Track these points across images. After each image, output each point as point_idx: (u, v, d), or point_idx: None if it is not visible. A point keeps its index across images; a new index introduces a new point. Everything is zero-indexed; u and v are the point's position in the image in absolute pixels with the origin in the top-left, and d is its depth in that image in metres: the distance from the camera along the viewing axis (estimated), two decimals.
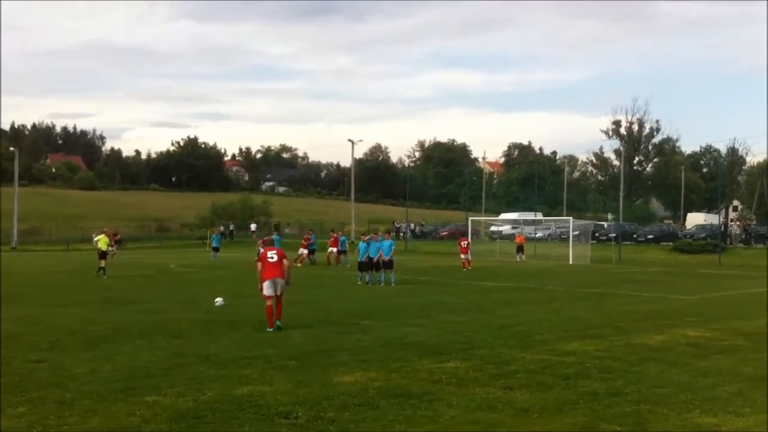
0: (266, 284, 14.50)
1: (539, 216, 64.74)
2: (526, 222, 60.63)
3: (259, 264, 14.87)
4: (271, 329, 14.09)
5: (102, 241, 30.40)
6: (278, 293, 14.54)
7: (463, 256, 35.66)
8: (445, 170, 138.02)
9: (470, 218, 54.90)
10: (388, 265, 26.19)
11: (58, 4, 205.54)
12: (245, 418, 7.78)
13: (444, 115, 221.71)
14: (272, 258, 14.75)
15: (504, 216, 68.52)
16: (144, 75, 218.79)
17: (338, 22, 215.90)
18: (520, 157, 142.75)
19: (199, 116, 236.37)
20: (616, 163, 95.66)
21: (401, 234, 66.07)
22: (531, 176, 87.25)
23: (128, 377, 9.73)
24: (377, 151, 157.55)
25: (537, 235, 57.52)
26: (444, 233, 68.97)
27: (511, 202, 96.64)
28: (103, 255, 30.05)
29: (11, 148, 79.55)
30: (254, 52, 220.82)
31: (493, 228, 61.53)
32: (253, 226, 76.06)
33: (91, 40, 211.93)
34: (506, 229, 61.46)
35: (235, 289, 22.76)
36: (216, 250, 46.37)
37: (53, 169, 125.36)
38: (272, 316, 14.29)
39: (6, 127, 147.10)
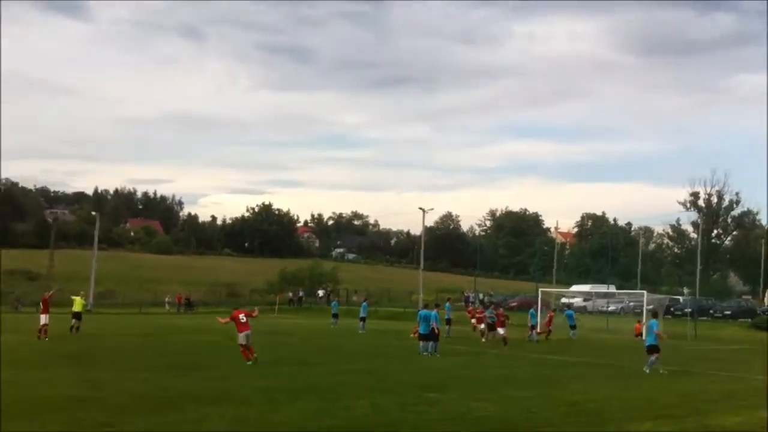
0: (241, 336, 20.18)
1: (612, 289, 63.29)
2: (598, 294, 59.30)
3: (233, 321, 20.50)
4: (249, 362, 19.91)
5: None
6: (247, 342, 20.37)
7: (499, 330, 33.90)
8: (515, 240, 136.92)
9: (540, 289, 54.04)
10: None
11: (142, 76, 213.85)
12: None
13: (516, 184, 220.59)
14: (243, 319, 20.23)
15: (575, 288, 67.26)
16: (222, 143, 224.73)
17: (413, 92, 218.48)
18: (594, 227, 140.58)
19: (274, 183, 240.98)
20: (693, 235, 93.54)
21: (471, 303, 65.42)
22: (604, 247, 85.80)
23: None
24: (448, 219, 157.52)
25: (609, 309, 56.21)
26: (513, 304, 68.09)
27: (582, 274, 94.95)
28: None
29: (93, 213, 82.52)
30: (330, 122, 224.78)
31: (563, 300, 60.45)
32: (320, 293, 76.34)
33: (173, 109, 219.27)
34: (577, 301, 60.24)
35: (299, 355, 22.78)
36: (335, 316, 44.99)
37: (132, 233, 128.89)
38: (246, 355, 20.28)
39: (89, 191, 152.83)
